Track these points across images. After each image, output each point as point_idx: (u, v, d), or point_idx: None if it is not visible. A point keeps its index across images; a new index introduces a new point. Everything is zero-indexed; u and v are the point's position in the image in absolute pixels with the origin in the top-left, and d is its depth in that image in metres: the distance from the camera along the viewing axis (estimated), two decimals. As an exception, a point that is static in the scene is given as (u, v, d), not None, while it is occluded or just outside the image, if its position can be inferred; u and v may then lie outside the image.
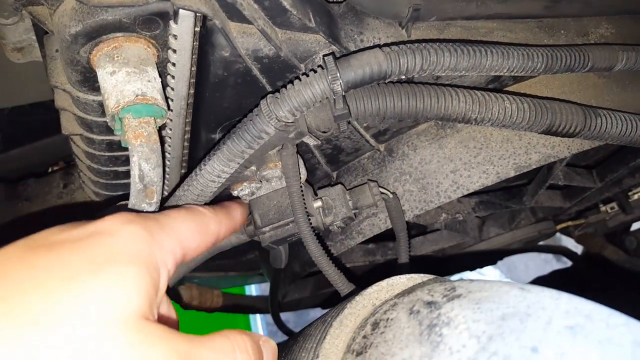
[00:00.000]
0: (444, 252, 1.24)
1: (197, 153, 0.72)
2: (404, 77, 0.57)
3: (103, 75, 0.52)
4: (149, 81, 0.52)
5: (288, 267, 0.94)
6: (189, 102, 0.60)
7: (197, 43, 0.54)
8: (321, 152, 0.78)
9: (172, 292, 1.35)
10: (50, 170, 1.01)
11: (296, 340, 0.57)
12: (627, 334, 0.34)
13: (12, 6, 0.57)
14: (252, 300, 1.67)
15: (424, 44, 0.57)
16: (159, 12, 0.50)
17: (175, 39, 0.52)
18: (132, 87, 0.51)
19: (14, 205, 0.94)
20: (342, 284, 0.67)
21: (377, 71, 0.55)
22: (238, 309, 1.60)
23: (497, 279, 0.45)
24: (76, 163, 0.76)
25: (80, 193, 0.93)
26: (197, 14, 0.51)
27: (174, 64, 0.55)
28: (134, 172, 0.51)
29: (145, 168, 0.52)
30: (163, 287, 0.41)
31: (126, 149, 0.52)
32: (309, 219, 0.65)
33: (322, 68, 0.55)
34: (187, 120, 0.63)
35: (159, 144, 0.53)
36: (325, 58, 0.55)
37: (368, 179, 0.77)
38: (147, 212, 0.52)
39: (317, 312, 1.67)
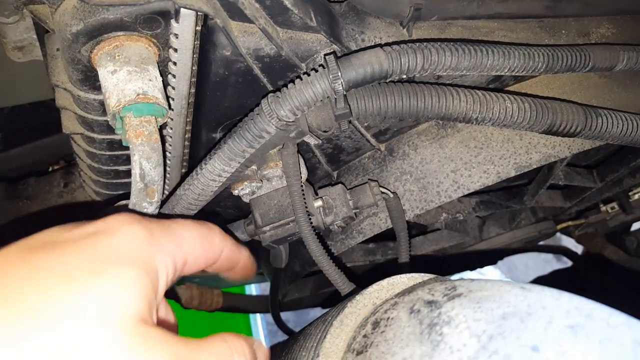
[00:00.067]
0: (444, 252, 1.24)
1: (197, 152, 0.72)
2: (405, 76, 0.57)
3: (104, 74, 0.52)
4: (150, 80, 0.52)
5: (288, 267, 0.94)
6: (189, 101, 0.60)
7: (198, 42, 0.54)
8: (322, 152, 0.78)
9: (172, 292, 1.35)
10: (50, 169, 1.01)
11: (296, 339, 0.57)
12: (628, 333, 0.34)
13: (13, 5, 0.57)
14: (252, 300, 1.67)
15: (425, 44, 0.57)
16: (160, 11, 0.50)
17: (177, 37, 0.52)
18: (133, 86, 0.51)
19: (14, 205, 0.94)
20: (342, 284, 0.68)
21: (378, 70, 0.55)
22: (238, 309, 1.60)
23: (497, 279, 0.45)
24: (77, 162, 0.76)
25: (80, 192, 0.93)
26: (199, 13, 0.51)
27: (175, 63, 0.55)
28: (135, 171, 0.52)
29: (146, 167, 0.52)
30: (162, 290, 0.40)
31: (127, 148, 0.52)
32: (310, 219, 0.65)
33: (323, 67, 0.55)
34: (188, 119, 0.63)
35: (159, 143, 0.53)
36: (327, 57, 0.55)
37: (369, 179, 0.77)
38: (148, 212, 0.52)
39: (317, 312, 1.67)
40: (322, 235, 0.83)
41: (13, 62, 0.67)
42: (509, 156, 0.74)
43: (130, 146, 0.51)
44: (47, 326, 0.33)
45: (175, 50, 0.53)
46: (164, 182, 0.59)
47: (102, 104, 0.59)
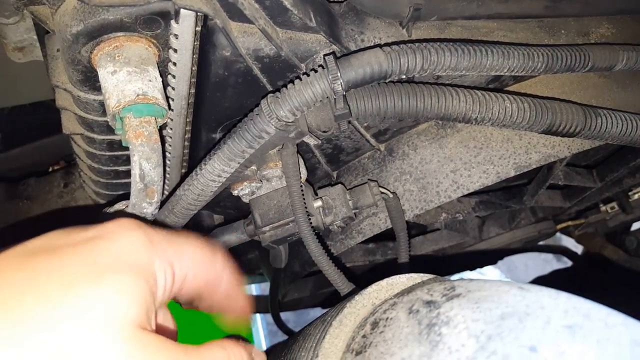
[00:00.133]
0: (444, 252, 1.24)
1: (197, 153, 0.72)
2: (404, 76, 0.57)
3: (104, 75, 0.52)
4: (150, 81, 0.52)
5: (288, 267, 0.94)
6: (189, 101, 0.60)
7: (198, 43, 0.54)
8: (321, 152, 0.78)
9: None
10: (50, 169, 1.01)
11: (296, 339, 0.57)
12: (626, 333, 0.34)
13: (13, 5, 0.57)
14: (252, 300, 1.67)
15: (424, 44, 0.57)
16: (160, 11, 0.50)
17: (176, 38, 0.52)
18: (133, 86, 0.51)
19: (14, 205, 0.94)
20: (342, 284, 0.68)
21: (378, 71, 0.55)
22: (238, 309, 1.59)
23: (497, 279, 0.45)
24: (77, 162, 0.76)
25: (80, 192, 0.93)
26: (198, 14, 0.51)
27: (174, 64, 0.55)
28: (135, 172, 0.52)
29: (145, 167, 0.52)
30: (161, 297, 0.40)
31: (127, 149, 0.52)
32: (309, 219, 0.65)
33: (323, 67, 0.55)
34: (187, 119, 0.63)
35: (159, 143, 0.53)
36: (326, 57, 0.55)
37: (368, 179, 0.77)
38: (147, 212, 0.52)
39: (317, 312, 1.67)
40: (322, 236, 0.83)
41: (13, 63, 0.68)
42: (509, 156, 0.74)
43: (130, 147, 0.52)
44: (46, 326, 0.33)
45: (175, 50, 0.53)
46: (164, 183, 0.59)
47: (102, 104, 0.59)
